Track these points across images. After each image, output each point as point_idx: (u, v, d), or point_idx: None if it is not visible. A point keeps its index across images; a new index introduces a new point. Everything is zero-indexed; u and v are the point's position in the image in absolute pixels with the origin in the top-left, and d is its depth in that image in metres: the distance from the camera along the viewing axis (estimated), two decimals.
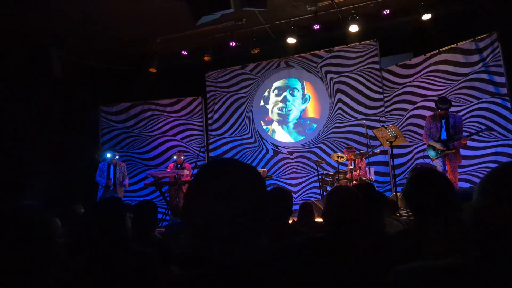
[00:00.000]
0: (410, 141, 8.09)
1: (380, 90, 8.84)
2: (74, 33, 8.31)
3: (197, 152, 9.17)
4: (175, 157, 8.48)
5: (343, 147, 8.43)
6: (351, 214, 1.88)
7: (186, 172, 7.96)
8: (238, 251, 0.93)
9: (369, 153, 7.50)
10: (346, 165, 7.88)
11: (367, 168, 7.56)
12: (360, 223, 1.88)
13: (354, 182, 7.17)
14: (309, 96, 9.57)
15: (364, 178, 7.22)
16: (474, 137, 6.76)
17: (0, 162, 7.67)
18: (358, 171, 7.37)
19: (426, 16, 7.81)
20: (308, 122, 9.53)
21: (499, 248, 0.83)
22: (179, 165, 8.25)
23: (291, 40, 8.60)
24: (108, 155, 7.92)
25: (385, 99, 8.79)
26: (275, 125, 9.80)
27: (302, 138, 9.50)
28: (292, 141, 9.56)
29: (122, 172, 8.05)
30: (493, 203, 0.85)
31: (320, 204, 7.11)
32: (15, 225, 1.00)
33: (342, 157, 7.57)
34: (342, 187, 2.08)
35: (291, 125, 9.66)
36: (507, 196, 0.83)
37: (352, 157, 7.59)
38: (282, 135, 9.69)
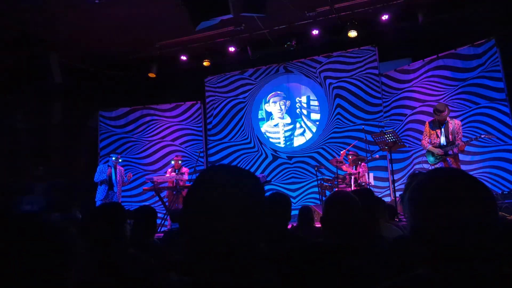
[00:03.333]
0: (409, 146, 8.09)
1: (379, 95, 8.86)
2: (73, 39, 8.33)
3: (196, 157, 9.16)
4: (172, 162, 8.46)
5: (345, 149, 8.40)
6: (349, 219, 1.88)
7: (185, 176, 7.95)
8: (236, 255, 0.93)
9: (368, 158, 7.50)
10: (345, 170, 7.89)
11: (366, 173, 7.56)
12: (358, 228, 1.87)
13: (354, 187, 7.16)
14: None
15: (363, 183, 7.22)
16: (473, 142, 6.77)
17: (0, 167, 7.66)
18: (357, 175, 7.37)
19: (425, 22, 7.83)
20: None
21: (447, 262, 0.86)
22: (177, 170, 8.23)
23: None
24: (113, 158, 7.91)
25: (384, 104, 8.81)
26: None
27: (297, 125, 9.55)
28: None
29: (122, 176, 8.04)
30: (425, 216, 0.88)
31: (319, 209, 7.10)
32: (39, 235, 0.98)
33: (341, 162, 7.56)
34: (341, 192, 2.08)
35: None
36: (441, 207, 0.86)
37: (351, 161, 7.59)
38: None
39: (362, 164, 7.53)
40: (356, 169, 7.51)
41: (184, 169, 8.34)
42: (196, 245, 0.93)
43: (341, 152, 7.83)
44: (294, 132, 9.63)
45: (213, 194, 0.94)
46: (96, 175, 7.87)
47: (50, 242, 0.96)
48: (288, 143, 9.62)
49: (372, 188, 7.71)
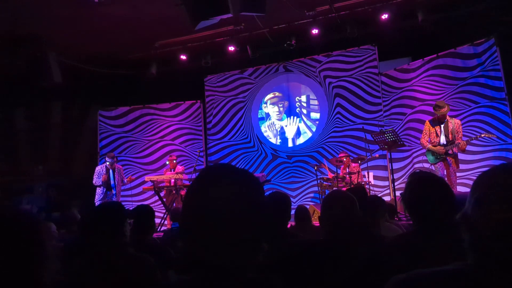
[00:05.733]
0: (408, 146, 8.09)
1: (379, 94, 8.85)
2: (73, 39, 8.32)
3: (196, 157, 9.15)
4: (167, 162, 8.44)
5: (339, 151, 8.44)
6: (347, 218, 1.88)
7: (181, 175, 7.92)
8: (236, 255, 0.93)
9: (368, 157, 7.50)
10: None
11: (362, 173, 7.56)
12: (356, 226, 1.87)
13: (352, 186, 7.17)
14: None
15: (363, 183, 7.22)
16: (473, 141, 6.77)
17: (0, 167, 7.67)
18: (355, 175, 7.37)
19: (424, 21, 7.83)
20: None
21: (493, 254, 0.82)
22: (172, 169, 8.20)
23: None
24: (107, 163, 7.86)
25: (384, 104, 8.80)
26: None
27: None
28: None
29: (121, 175, 8.02)
30: (482, 208, 0.84)
31: (319, 208, 7.10)
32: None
33: (341, 161, 7.57)
34: (338, 192, 2.08)
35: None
36: (495, 201, 0.82)
37: (344, 160, 7.59)
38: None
39: (354, 164, 7.51)
40: (348, 169, 7.52)
41: (179, 168, 8.29)
42: (195, 244, 0.93)
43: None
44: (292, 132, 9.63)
45: (212, 193, 0.93)
46: (94, 177, 7.84)
47: (17, 240, 0.94)
48: (284, 142, 9.63)
49: (372, 187, 7.74)
